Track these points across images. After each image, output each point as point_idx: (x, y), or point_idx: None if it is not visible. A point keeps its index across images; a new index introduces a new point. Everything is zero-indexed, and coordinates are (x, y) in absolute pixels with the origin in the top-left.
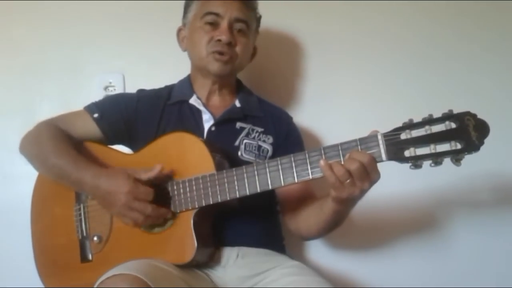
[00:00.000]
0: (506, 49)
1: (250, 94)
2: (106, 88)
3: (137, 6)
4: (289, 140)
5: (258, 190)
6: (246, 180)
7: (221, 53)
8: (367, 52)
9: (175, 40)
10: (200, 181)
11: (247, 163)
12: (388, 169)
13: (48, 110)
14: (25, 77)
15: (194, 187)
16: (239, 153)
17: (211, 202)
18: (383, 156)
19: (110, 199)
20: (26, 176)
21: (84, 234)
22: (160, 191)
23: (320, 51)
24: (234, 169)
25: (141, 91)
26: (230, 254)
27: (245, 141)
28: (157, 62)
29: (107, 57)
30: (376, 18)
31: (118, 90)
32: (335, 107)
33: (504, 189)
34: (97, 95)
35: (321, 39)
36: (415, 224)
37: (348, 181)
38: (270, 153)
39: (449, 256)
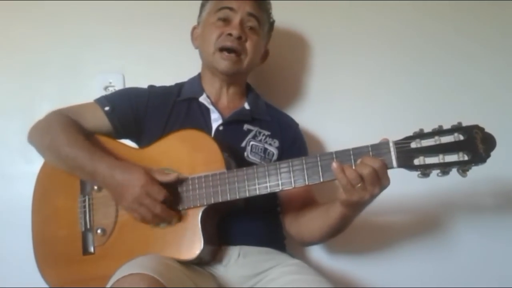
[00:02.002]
0: None
1: (258, 97)
2: (106, 88)
3: (137, 6)
4: (295, 146)
5: (268, 191)
6: (256, 180)
7: (229, 51)
8: (373, 53)
9: (176, 39)
10: (210, 178)
11: (252, 164)
12: (391, 171)
13: (48, 110)
14: (25, 77)
15: (203, 185)
16: (245, 154)
17: (220, 200)
18: (394, 163)
19: (122, 191)
20: (26, 176)
21: (88, 226)
22: (169, 187)
23: (327, 51)
24: (244, 168)
25: (151, 87)
26: (231, 253)
27: (251, 142)
28: (157, 62)
29: (107, 57)
30: (383, 19)
31: None
32: (340, 108)
33: (507, 193)
34: (97, 95)
35: (327, 39)
36: (418, 226)
37: (359, 185)
38: (275, 156)
39: (450, 259)
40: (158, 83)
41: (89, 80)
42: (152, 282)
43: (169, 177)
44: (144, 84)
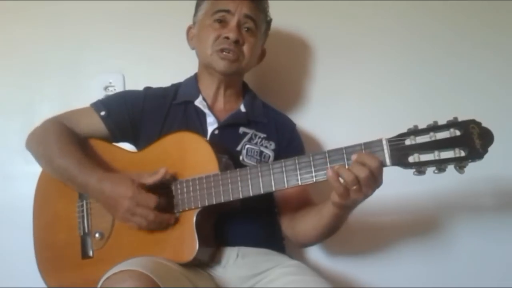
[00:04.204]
0: None
1: (255, 98)
2: (106, 88)
3: (137, 5)
4: (291, 147)
5: (262, 192)
6: (249, 181)
7: (227, 51)
8: (374, 55)
9: (176, 39)
10: (204, 181)
11: None
12: (389, 171)
13: (48, 110)
14: (25, 77)
15: (197, 187)
16: (241, 158)
17: (214, 202)
18: (387, 161)
19: (114, 204)
20: (27, 176)
21: (86, 230)
22: (163, 190)
23: (327, 53)
24: (238, 169)
25: (148, 89)
26: (230, 254)
27: (247, 146)
28: (157, 62)
29: (107, 57)
30: (383, 21)
31: (118, 90)
32: (340, 110)
33: (506, 193)
34: (97, 95)
35: (327, 41)
36: (417, 226)
37: (354, 187)
38: (271, 158)
39: (450, 259)
40: (158, 83)
41: (89, 80)
42: (142, 278)
43: (158, 175)
44: (144, 84)
